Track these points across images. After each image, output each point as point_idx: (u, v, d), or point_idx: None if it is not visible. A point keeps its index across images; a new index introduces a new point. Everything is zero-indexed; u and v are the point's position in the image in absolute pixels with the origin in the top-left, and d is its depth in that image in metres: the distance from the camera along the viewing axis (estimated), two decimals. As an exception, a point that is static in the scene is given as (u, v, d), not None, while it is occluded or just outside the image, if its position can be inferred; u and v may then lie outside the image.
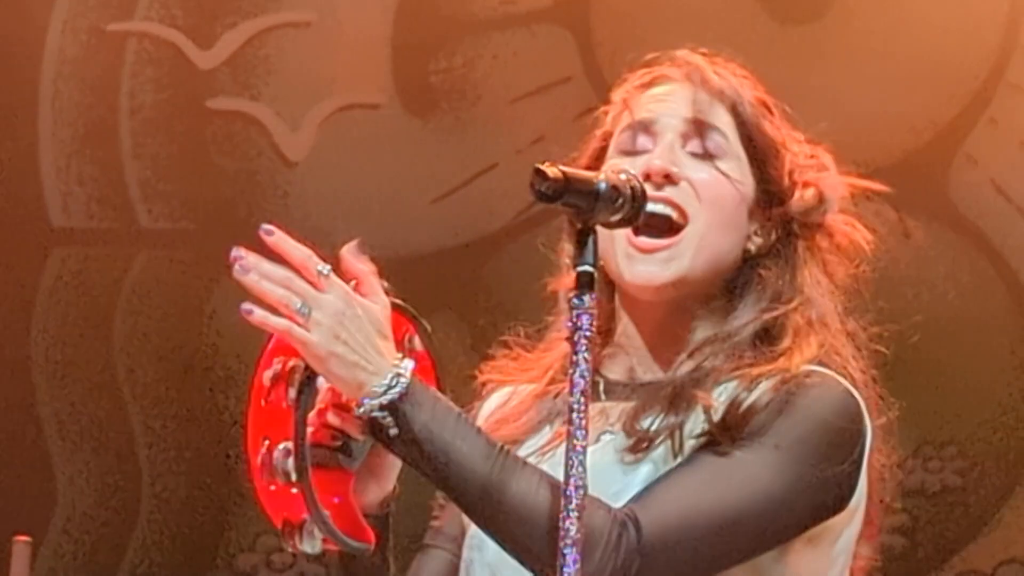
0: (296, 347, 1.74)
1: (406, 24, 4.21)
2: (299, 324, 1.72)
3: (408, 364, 1.75)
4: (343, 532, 1.76)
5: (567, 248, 1.93)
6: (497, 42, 4.19)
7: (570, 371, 1.68)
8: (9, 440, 4.26)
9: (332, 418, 1.79)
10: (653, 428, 1.82)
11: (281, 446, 1.74)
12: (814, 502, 1.82)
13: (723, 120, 1.92)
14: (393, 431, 1.73)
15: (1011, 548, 4.00)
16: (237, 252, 1.74)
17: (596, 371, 1.88)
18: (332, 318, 1.72)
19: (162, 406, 4.21)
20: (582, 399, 1.67)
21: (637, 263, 1.86)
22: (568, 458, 1.65)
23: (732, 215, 1.90)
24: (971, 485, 4.00)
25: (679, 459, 1.80)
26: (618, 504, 1.76)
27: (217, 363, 4.13)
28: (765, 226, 1.93)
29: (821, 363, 1.88)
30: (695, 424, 1.82)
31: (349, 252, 1.79)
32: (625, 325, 1.91)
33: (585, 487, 1.65)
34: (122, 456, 4.24)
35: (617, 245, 1.87)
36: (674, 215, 1.87)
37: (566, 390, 1.78)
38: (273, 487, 1.74)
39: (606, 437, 1.86)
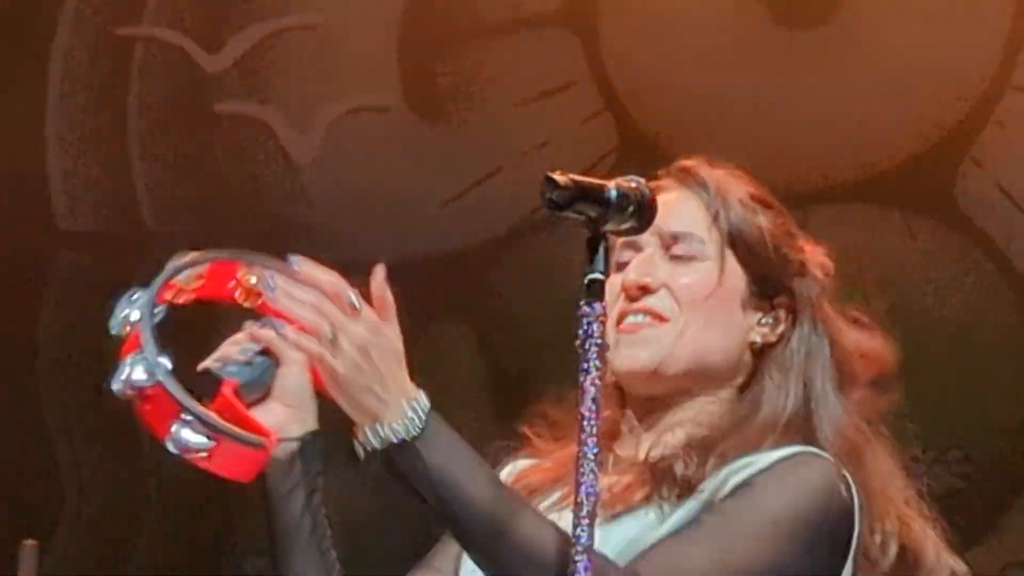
0: (324, 374, 1.75)
1: (413, 27, 4.22)
2: (329, 353, 1.75)
3: (424, 401, 1.75)
4: (227, 422, 1.75)
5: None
6: (504, 45, 4.19)
7: (580, 378, 1.69)
8: (16, 443, 4.27)
9: (221, 349, 1.81)
10: (637, 496, 1.86)
11: (129, 357, 1.76)
12: None
13: (702, 222, 1.98)
14: (403, 468, 1.75)
15: (1016, 552, 4.00)
16: (270, 278, 1.75)
17: (607, 447, 1.92)
18: (357, 351, 1.75)
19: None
20: (593, 406, 1.67)
21: (621, 347, 1.90)
22: (579, 465, 1.66)
23: (716, 311, 1.94)
24: (976, 489, 4.00)
25: (667, 515, 1.83)
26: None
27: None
28: (770, 314, 1.97)
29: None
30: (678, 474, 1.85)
31: (379, 278, 1.80)
32: (629, 410, 1.97)
33: (597, 495, 1.66)
34: (129, 459, 4.24)
35: (609, 332, 1.89)
36: (655, 323, 1.92)
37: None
38: (139, 398, 1.79)
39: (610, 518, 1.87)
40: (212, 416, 1.76)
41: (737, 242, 1.97)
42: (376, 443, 1.76)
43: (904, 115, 4.05)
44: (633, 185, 1.80)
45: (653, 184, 1.97)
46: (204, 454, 1.77)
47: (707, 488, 1.85)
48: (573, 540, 1.65)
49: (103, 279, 4.33)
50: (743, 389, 1.96)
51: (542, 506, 1.91)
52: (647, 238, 1.96)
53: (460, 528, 1.77)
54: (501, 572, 1.77)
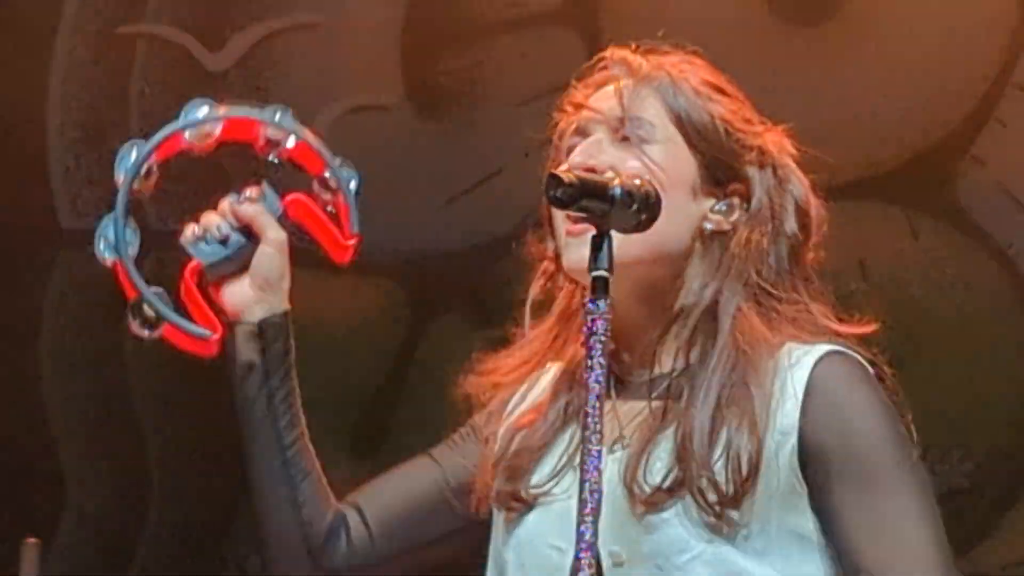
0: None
1: (415, 26, 4.22)
2: None
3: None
4: (180, 313, 1.79)
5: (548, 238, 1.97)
6: (506, 44, 4.19)
7: (585, 375, 1.69)
8: (18, 442, 4.27)
9: (204, 218, 1.91)
10: (665, 484, 1.83)
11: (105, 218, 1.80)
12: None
13: (652, 105, 1.95)
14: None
15: (1019, 551, 4.00)
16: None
17: (611, 368, 1.87)
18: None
19: (172, 407, 4.21)
20: (597, 404, 1.68)
21: (571, 249, 1.87)
22: (583, 462, 1.66)
23: (664, 195, 1.88)
24: (978, 488, 4.00)
25: (703, 513, 1.82)
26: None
27: (227, 364, 4.13)
28: (724, 201, 1.94)
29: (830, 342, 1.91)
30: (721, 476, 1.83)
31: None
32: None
33: (600, 492, 1.66)
34: (132, 458, 4.24)
35: (558, 234, 1.90)
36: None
37: (581, 391, 1.79)
38: (110, 262, 1.87)
39: (617, 448, 1.86)
40: (160, 302, 1.76)
41: (687, 126, 1.94)
42: None
43: (906, 113, 4.05)
44: (637, 182, 1.80)
45: (602, 70, 2.01)
46: (157, 334, 1.81)
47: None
48: (577, 536, 1.65)
49: (105, 277, 4.33)
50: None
51: (547, 467, 1.89)
52: (595, 124, 1.95)
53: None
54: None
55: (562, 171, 1.75)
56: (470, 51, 4.20)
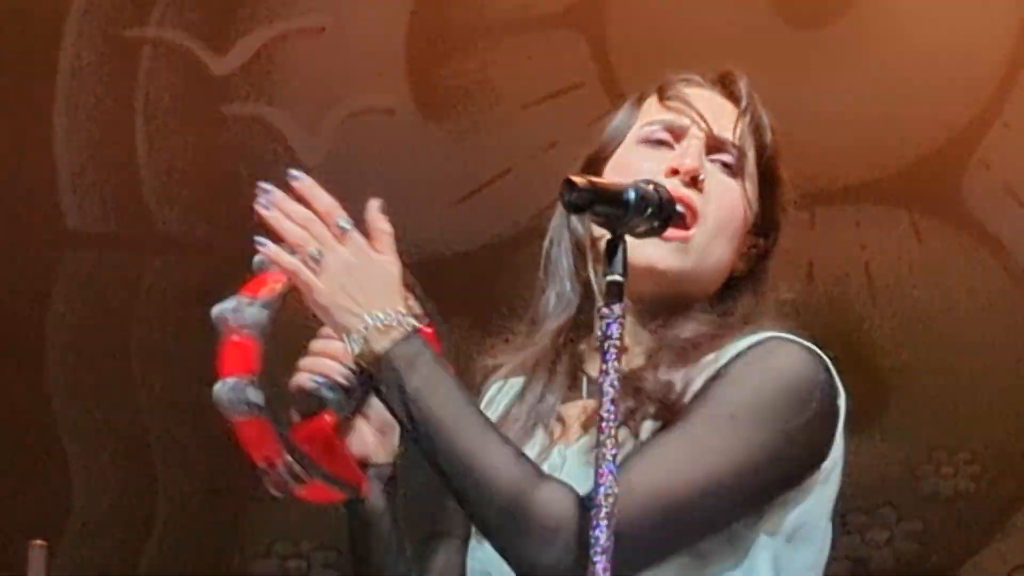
0: (302, 289, 1.74)
1: (420, 28, 4.22)
2: (310, 267, 1.75)
3: (410, 321, 1.75)
4: (325, 468, 1.74)
5: (558, 214, 1.95)
6: (511, 46, 4.19)
7: (600, 379, 1.69)
8: (25, 445, 4.27)
9: (322, 363, 1.79)
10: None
11: (243, 378, 1.73)
12: (785, 459, 1.81)
13: (749, 142, 1.95)
14: (384, 384, 1.74)
15: (1025, 553, 4.00)
16: (264, 186, 1.77)
17: (580, 367, 1.91)
18: (342, 268, 1.76)
19: (178, 411, 4.21)
20: (612, 407, 1.68)
21: (648, 246, 1.85)
22: (598, 467, 1.66)
23: (736, 232, 1.93)
24: (984, 490, 4.00)
25: (637, 441, 1.81)
26: None
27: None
28: (749, 252, 1.96)
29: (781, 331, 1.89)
30: (648, 408, 1.83)
31: (373, 210, 1.81)
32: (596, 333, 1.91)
33: (615, 495, 1.66)
34: (138, 461, 4.24)
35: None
36: (688, 217, 1.88)
37: (556, 392, 1.86)
38: (245, 423, 1.74)
39: (585, 440, 1.87)
40: (310, 462, 1.73)
41: (765, 174, 1.95)
42: (355, 351, 1.74)
43: (911, 116, 4.05)
44: (651, 187, 1.80)
45: (690, 76, 1.97)
46: (294, 493, 1.76)
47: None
48: (592, 542, 1.65)
49: (111, 280, 4.34)
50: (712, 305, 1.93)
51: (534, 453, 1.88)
52: (693, 129, 1.92)
53: (428, 450, 1.76)
54: (464, 501, 1.76)
55: (576, 176, 1.75)
56: (476, 54, 4.20)
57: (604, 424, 1.67)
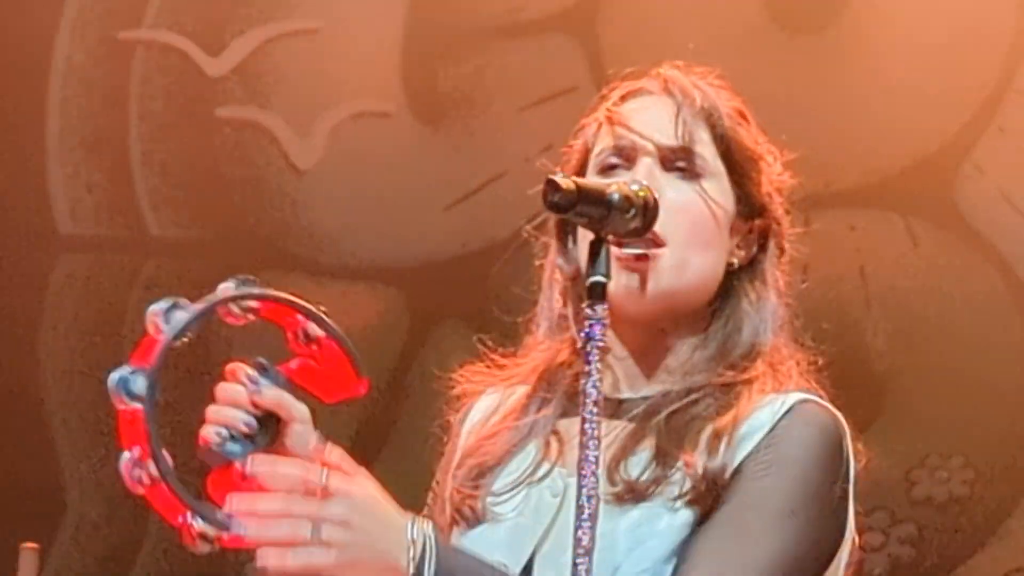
0: (324, 569, 1.71)
1: (415, 32, 4.22)
2: (318, 552, 1.68)
3: (421, 530, 1.72)
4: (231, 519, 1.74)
5: (552, 248, 1.96)
6: (505, 50, 4.19)
7: (583, 382, 1.69)
8: (18, 447, 4.26)
9: (224, 414, 1.79)
10: (642, 478, 1.82)
11: (136, 451, 1.75)
12: (827, 545, 1.85)
13: (702, 137, 1.93)
14: None
15: (1018, 558, 3.99)
16: (232, 521, 1.69)
17: (576, 385, 1.89)
18: (342, 526, 1.68)
19: (171, 413, 4.20)
20: (595, 410, 1.67)
21: (621, 276, 1.85)
22: (582, 468, 1.66)
23: (711, 235, 1.91)
24: (978, 495, 4.00)
25: (673, 508, 1.81)
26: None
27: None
28: (747, 238, 1.95)
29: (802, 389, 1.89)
30: (684, 480, 1.82)
31: (332, 455, 1.73)
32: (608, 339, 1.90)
33: (598, 498, 1.66)
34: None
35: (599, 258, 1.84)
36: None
37: (551, 406, 1.85)
38: (147, 492, 1.76)
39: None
40: (218, 514, 1.73)
41: (731, 160, 1.93)
42: None
43: (906, 120, 4.05)
44: (635, 188, 1.79)
45: (635, 87, 1.97)
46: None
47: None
48: (574, 542, 1.65)
49: (104, 283, 4.34)
50: (715, 311, 1.93)
51: (504, 482, 1.88)
52: (643, 148, 1.92)
53: None
54: None
55: (560, 177, 1.74)
56: (470, 57, 4.20)
57: (587, 427, 1.66)
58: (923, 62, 4.04)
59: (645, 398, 1.89)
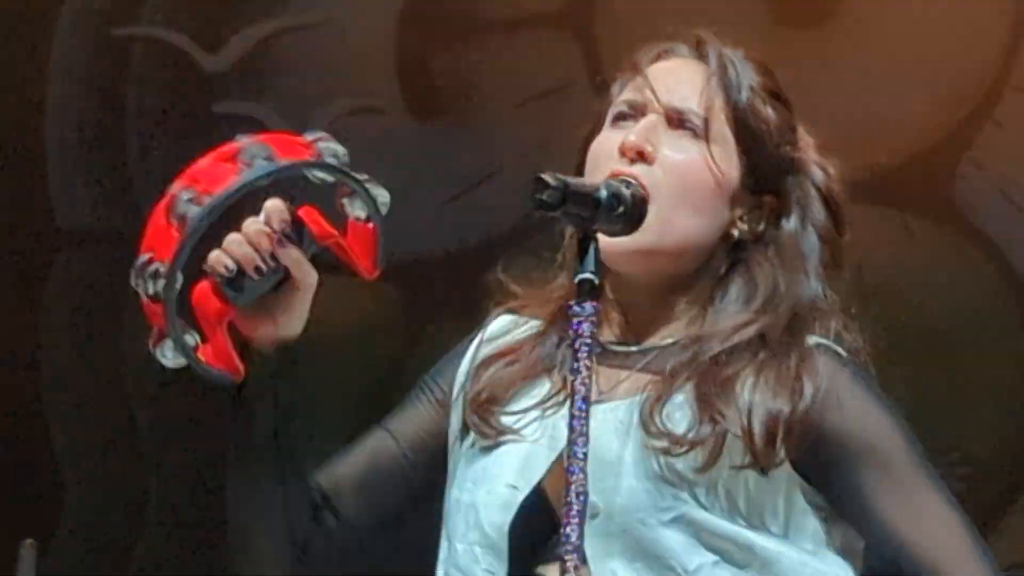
0: None
1: (411, 28, 4.22)
2: None
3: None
4: (204, 358, 1.81)
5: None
6: (502, 46, 4.19)
7: (571, 378, 1.69)
8: (16, 443, 4.27)
9: (243, 251, 1.83)
10: (691, 434, 1.82)
11: (156, 263, 1.84)
12: None
13: (719, 103, 1.94)
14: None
15: (1016, 554, 3.99)
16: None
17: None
18: None
19: (170, 408, 4.21)
20: (584, 406, 1.67)
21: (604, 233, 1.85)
22: (569, 466, 1.66)
23: (704, 198, 1.91)
24: (975, 492, 3.99)
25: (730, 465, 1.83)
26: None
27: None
28: (754, 212, 1.94)
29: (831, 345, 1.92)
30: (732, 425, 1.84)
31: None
32: (609, 293, 1.92)
33: (586, 493, 1.66)
34: (129, 459, 4.24)
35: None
36: (638, 192, 1.87)
37: (566, 342, 1.82)
38: (145, 300, 1.86)
39: (603, 407, 1.85)
40: (190, 350, 1.81)
41: (742, 131, 1.93)
42: None
43: (903, 115, 4.04)
44: (624, 186, 1.80)
45: (669, 47, 2.01)
46: (174, 365, 1.84)
47: None
48: (563, 539, 1.65)
49: (102, 278, 4.34)
50: (721, 279, 1.93)
51: (521, 405, 1.89)
52: (652, 105, 1.93)
53: None
54: None
55: (546, 174, 1.75)
56: (466, 52, 4.20)
57: (575, 423, 1.66)
58: (920, 56, 4.04)
59: (655, 347, 1.90)
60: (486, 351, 1.99)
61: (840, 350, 1.93)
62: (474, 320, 4.48)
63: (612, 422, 1.83)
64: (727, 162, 1.92)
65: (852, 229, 4.13)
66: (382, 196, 1.88)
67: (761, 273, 1.93)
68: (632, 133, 1.91)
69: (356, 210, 1.86)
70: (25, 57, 4.32)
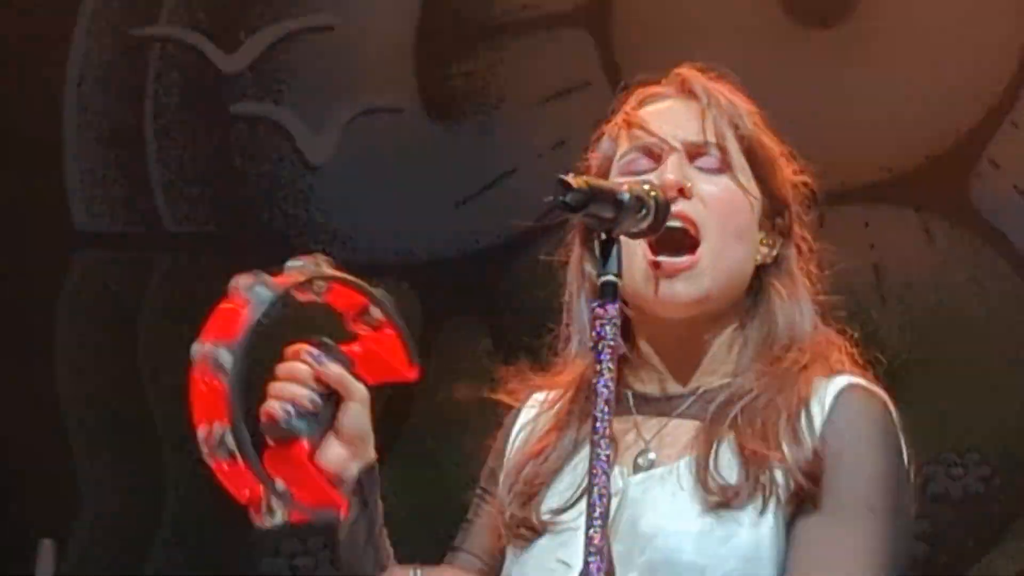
0: None
1: (428, 28, 4.22)
2: None
3: None
4: (302, 501, 1.77)
5: (575, 255, 1.97)
6: (518, 46, 4.19)
7: (594, 380, 1.69)
8: (33, 442, 4.27)
9: (289, 390, 1.81)
10: (735, 482, 1.84)
11: (217, 426, 1.76)
12: (909, 528, 1.92)
13: (728, 134, 1.96)
14: None
15: (1034, 554, 3.99)
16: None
17: (624, 383, 1.92)
18: None
19: (186, 408, 4.21)
20: (606, 408, 1.67)
21: (662, 285, 1.88)
22: (592, 467, 1.66)
23: (744, 226, 1.95)
24: (993, 492, 3.99)
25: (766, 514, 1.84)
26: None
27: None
28: (770, 236, 1.97)
29: (851, 373, 1.93)
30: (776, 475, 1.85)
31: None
32: (644, 341, 1.94)
33: (609, 496, 1.66)
34: (146, 458, 4.25)
35: (635, 265, 1.89)
36: (690, 230, 1.90)
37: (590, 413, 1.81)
38: (225, 467, 1.78)
39: (659, 471, 1.88)
40: (290, 498, 1.77)
41: (753, 157, 1.96)
42: None
43: (920, 116, 4.04)
44: (647, 188, 1.80)
45: (652, 92, 1.99)
46: (281, 522, 1.79)
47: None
48: (586, 541, 1.65)
49: (119, 278, 4.34)
50: (748, 309, 1.95)
51: (557, 501, 1.90)
52: (670, 145, 1.94)
53: None
54: None
55: (571, 176, 1.75)
56: (483, 53, 4.20)
57: (598, 425, 1.66)
58: (937, 58, 4.03)
59: (692, 392, 1.91)
60: (518, 458, 1.98)
61: (870, 386, 1.92)
62: (489, 320, 4.47)
63: (686, 495, 1.85)
64: (751, 189, 1.96)
65: (871, 230, 4.15)
66: (387, 297, 1.86)
67: (780, 305, 1.95)
68: (668, 172, 1.91)
69: (372, 318, 1.83)
70: (44, 57, 4.33)
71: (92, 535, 4.26)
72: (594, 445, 1.66)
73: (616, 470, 1.87)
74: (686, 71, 1.99)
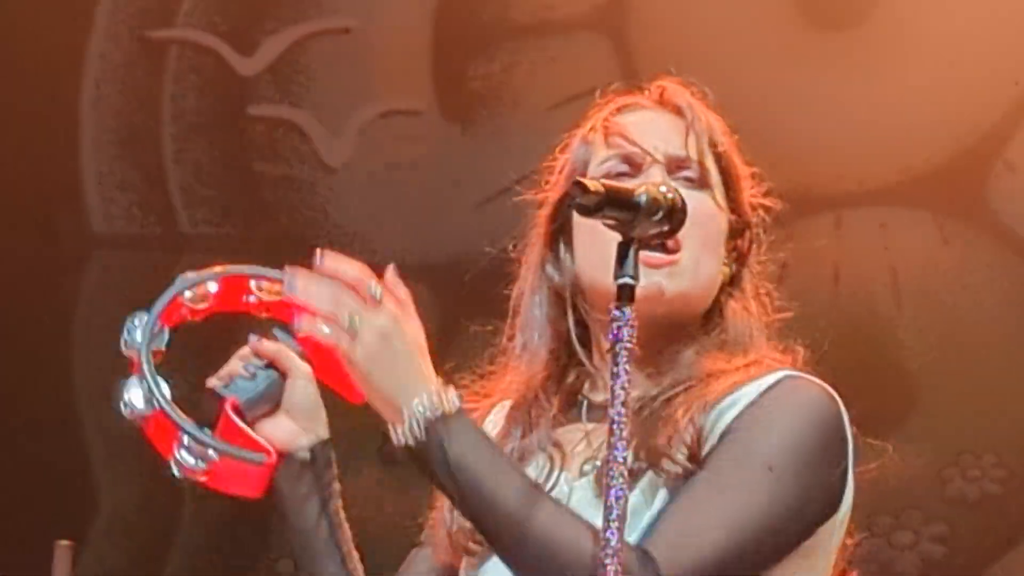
0: (343, 360, 1.76)
1: (445, 30, 4.23)
2: (346, 338, 1.76)
3: (450, 394, 1.77)
4: (225, 438, 1.84)
5: (536, 255, 2.00)
6: (536, 48, 4.19)
7: (611, 382, 1.69)
8: (51, 445, 4.29)
9: (228, 367, 1.86)
10: (632, 461, 1.82)
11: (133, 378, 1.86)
12: (810, 511, 1.85)
13: (707, 152, 1.98)
14: (425, 458, 1.76)
15: (1051, 556, 3.98)
16: (288, 270, 1.78)
17: (578, 392, 1.94)
18: (378, 338, 1.77)
19: (203, 411, 4.22)
20: (623, 410, 1.68)
21: (644, 276, 1.86)
22: (609, 468, 1.66)
23: (717, 243, 1.96)
24: (1010, 494, 3.98)
25: (666, 485, 1.83)
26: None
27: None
28: (731, 255, 1.99)
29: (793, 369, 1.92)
30: (677, 448, 1.84)
31: (391, 276, 1.80)
32: (597, 352, 1.95)
33: (626, 498, 1.66)
34: (164, 461, 4.25)
35: (612, 259, 1.87)
36: (669, 240, 1.89)
37: (541, 423, 1.89)
38: (152, 424, 1.88)
39: (588, 468, 1.89)
40: (209, 436, 1.79)
41: (726, 176, 1.98)
42: (401, 432, 1.76)
43: (937, 118, 4.04)
44: (663, 190, 1.80)
45: (630, 101, 2.01)
46: (204, 476, 1.80)
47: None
48: (603, 542, 1.65)
49: (137, 282, 4.35)
50: (703, 323, 1.96)
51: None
52: (653, 156, 1.95)
53: (481, 522, 1.78)
54: (525, 569, 1.77)
55: (587, 179, 1.75)
56: (500, 55, 4.20)
57: (615, 427, 1.67)
58: (954, 60, 4.03)
59: (639, 400, 1.90)
60: None
61: (813, 379, 1.89)
62: (505, 322, 4.45)
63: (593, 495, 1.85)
64: (723, 204, 1.97)
65: (887, 232, 4.13)
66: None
67: (733, 323, 1.96)
68: (662, 187, 1.88)
69: (264, 290, 1.87)
70: (61, 59, 4.34)
71: (109, 537, 4.27)
72: (611, 447, 1.66)
73: (563, 476, 1.89)
74: (668, 84, 2.01)
